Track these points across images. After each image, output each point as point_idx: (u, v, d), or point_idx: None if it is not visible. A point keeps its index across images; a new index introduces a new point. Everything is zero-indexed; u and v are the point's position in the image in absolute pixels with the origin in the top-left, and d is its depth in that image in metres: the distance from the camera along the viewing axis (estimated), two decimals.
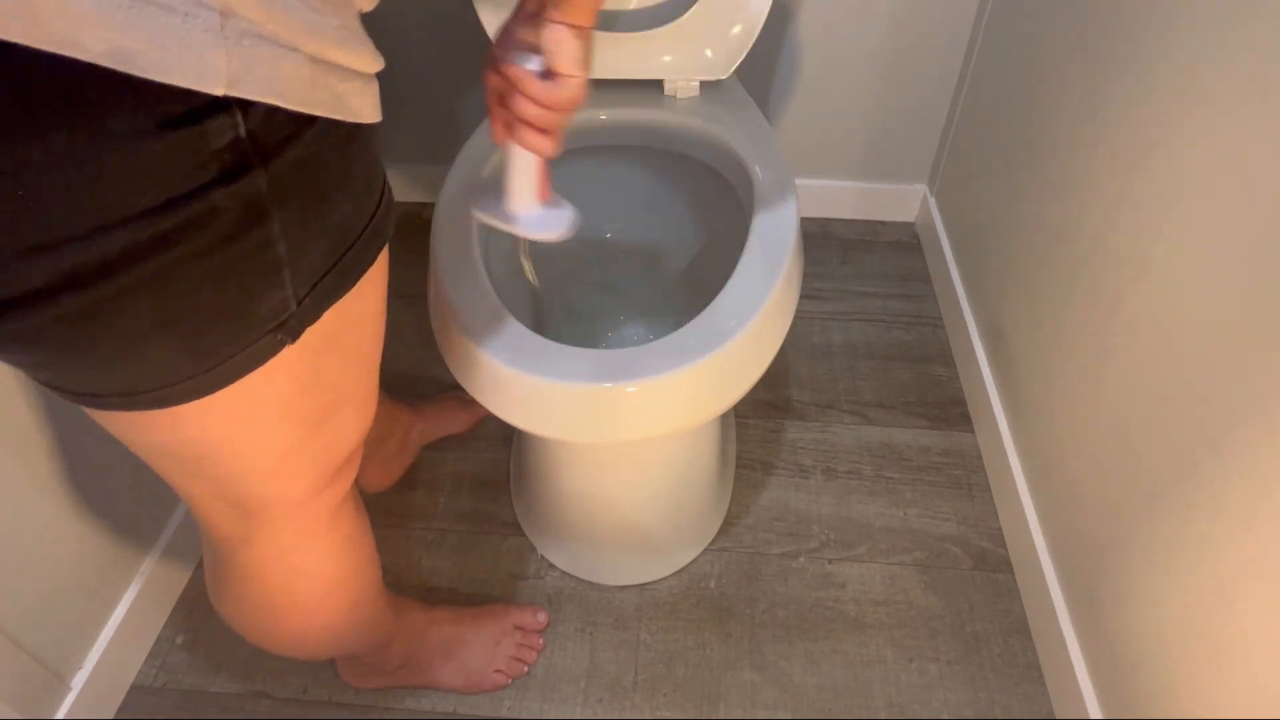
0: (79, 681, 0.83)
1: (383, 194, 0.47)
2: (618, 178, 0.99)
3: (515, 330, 0.67)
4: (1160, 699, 0.69)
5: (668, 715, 0.87)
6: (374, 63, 0.41)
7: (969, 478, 1.08)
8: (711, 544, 1.01)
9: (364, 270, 0.45)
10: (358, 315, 0.48)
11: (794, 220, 0.78)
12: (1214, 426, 0.62)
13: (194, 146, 0.33)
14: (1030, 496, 0.96)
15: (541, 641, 0.92)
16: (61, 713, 0.81)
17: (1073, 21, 0.90)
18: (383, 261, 0.49)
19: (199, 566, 1.00)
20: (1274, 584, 0.56)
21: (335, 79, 0.37)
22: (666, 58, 0.93)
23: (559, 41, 0.52)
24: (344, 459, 0.56)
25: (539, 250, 0.80)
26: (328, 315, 0.44)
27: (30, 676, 0.78)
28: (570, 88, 0.54)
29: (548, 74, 0.53)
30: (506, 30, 0.57)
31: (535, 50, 0.54)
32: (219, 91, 0.32)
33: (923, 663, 0.91)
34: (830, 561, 1.00)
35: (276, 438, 0.48)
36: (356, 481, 1.06)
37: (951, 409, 1.17)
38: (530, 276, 0.85)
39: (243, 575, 0.60)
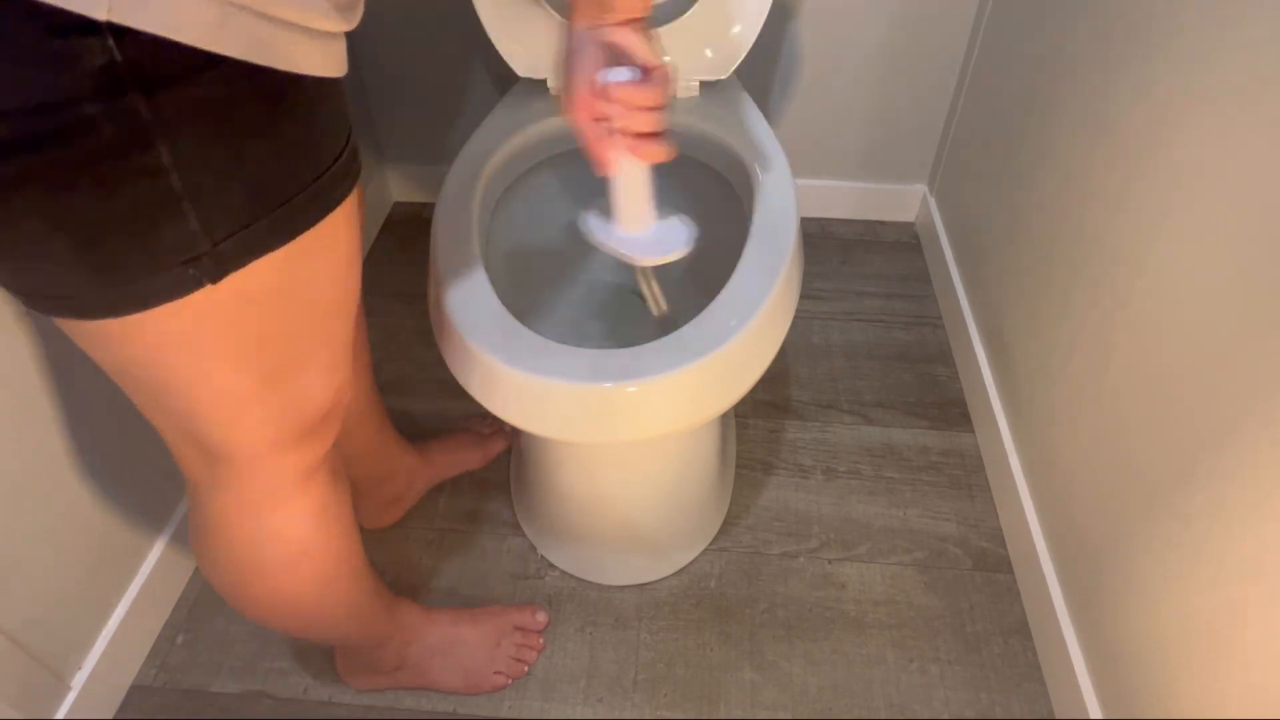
0: (79, 681, 0.83)
1: (338, 158, 0.47)
2: None
3: (515, 330, 0.67)
4: (1160, 699, 0.69)
5: (668, 715, 0.87)
6: (326, 20, 0.41)
7: (969, 478, 1.08)
8: (711, 544, 1.01)
9: (301, 230, 0.46)
10: (308, 274, 0.49)
11: (794, 220, 0.78)
12: (1214, 426, 0.62)
13: (67, 60, 0.34)
14: (1030, 496, 0.96)
15: (541, 642, 0.92)
16: (61, 713, 0.81)
17: (1072, 21, 0.90)
18: (340, 227, 0.49)
19: (199, 567, 1.00)
20: (1274, 584, 0.56)
21: (262, 26, 0.38)
22: (666, 58, 0.93)
23: (631, 41, 0.54)
24: (311, 422, 0.57)
25: (535, 250, 0.80)
26: (263, 267, 0.45)
27: (30, 676, 0.78)
28: (661, 77, 0.56)
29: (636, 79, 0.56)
30: (575, 68, 0.59)
31: (616, 63, 0.56)
32: (100, 16, 0.33)
33: (923, 663, 0.91)
34: (830, 561, 1.00)
35: (227, 382, 0.50)
36: (352, 497, 1.05)
37: (951, 409, 1.17)
38: (652, 303, 0.80)
39: (212, 524, 0.61)
